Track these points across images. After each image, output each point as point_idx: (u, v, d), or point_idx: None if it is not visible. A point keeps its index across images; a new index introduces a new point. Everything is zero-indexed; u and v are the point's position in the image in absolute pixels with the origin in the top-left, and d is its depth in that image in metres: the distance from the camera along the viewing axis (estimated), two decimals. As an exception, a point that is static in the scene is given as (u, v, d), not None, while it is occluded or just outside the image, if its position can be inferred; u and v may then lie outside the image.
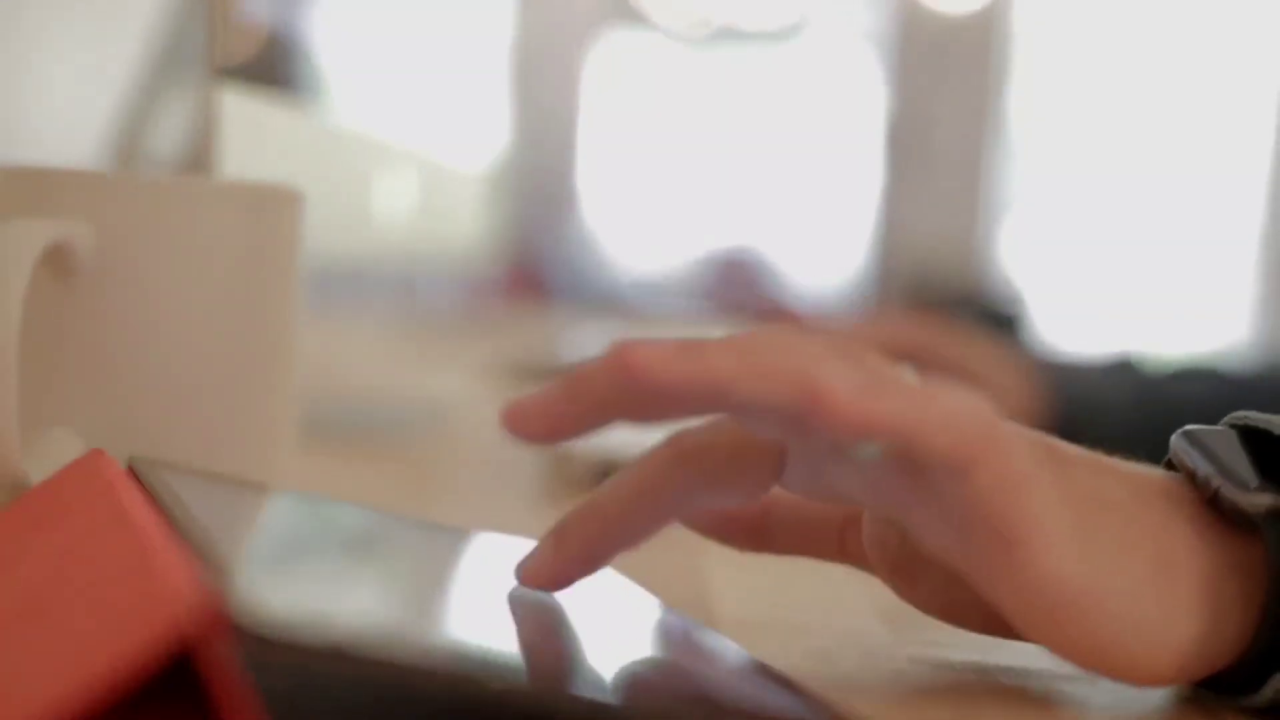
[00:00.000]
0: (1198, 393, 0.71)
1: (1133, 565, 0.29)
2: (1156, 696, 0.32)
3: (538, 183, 5.29)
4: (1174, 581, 0.29)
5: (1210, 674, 0.30)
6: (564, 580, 0.31)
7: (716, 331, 1.54)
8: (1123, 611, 0.29)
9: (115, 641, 0.18)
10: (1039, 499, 0.28)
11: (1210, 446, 0.31)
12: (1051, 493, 0.29)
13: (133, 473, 0.32)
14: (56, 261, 0.36)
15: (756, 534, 0.35)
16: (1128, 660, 0.29)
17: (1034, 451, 0.29)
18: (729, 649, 0.29)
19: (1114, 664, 0.29)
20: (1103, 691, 0.33)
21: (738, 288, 5.47)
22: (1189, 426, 0.32)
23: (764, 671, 0.27)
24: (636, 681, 0.23)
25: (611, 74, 5.45)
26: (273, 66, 0.53)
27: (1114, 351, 0.73)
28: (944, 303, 3.23)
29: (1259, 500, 0.29)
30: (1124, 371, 0.71)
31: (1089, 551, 0.28)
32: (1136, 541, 0.29)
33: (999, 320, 3.20)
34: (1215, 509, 0.30)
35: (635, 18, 5.39)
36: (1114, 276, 4.53)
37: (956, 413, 0.28)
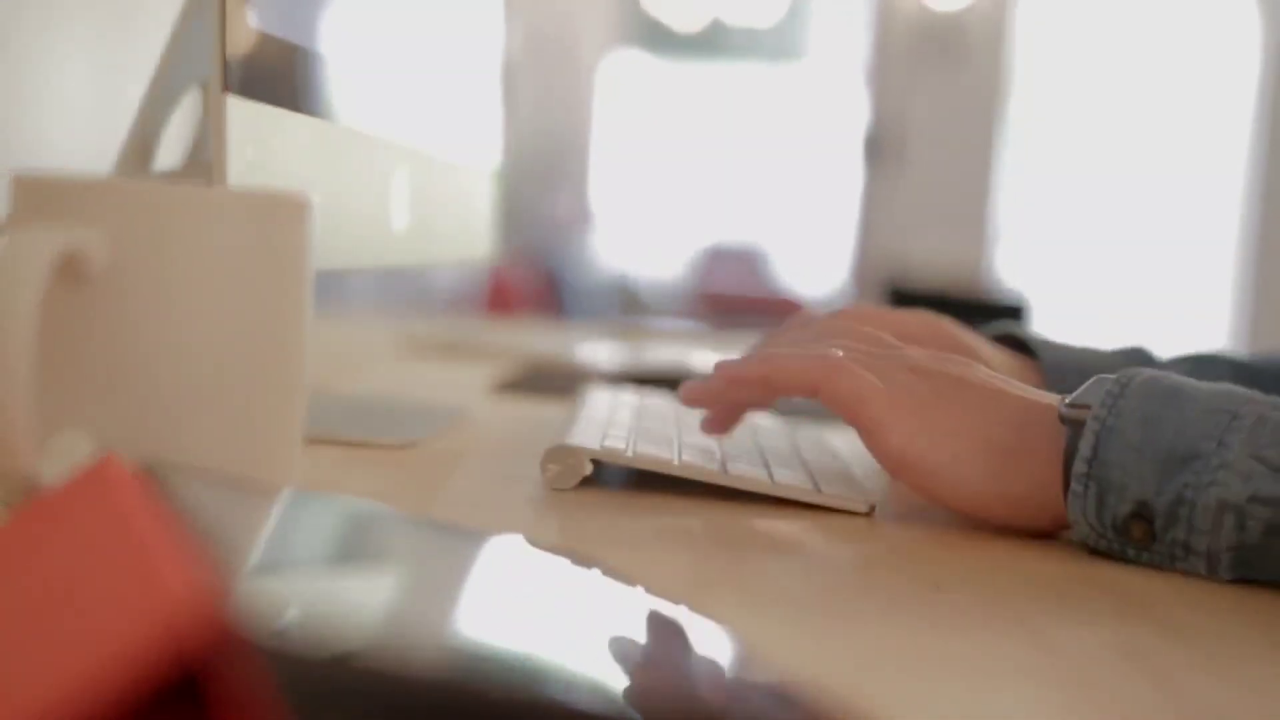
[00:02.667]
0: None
1: (951, 445, 0.50)
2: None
3: (544, 186, 5.28)
4: (986, 458, 0.49)
5: (1048, 523, 0.50)
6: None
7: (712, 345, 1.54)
8: (944, 473, 0.50)
9: (113, 649, 0.19)
10: (878, 406, 0.50)
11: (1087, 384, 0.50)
12: (887, 402, 0.50)
13: (145, 475, 0.33)
14: (70, 268, 0.37)
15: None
16: (953, 501, 0.50)
17: (871, 382, 0.51)
18: (730, 648, 0.29)
19: (947, 503, 0.51)
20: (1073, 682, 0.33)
21: (737, 281, 5.47)
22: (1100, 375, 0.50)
23: (763, 672, 0.28)
24: (640, 688, 0.23)
25: (617, 80, 5.44)
26: (280, 72, 0.53)
27: (1127, 345, 0.74)
28: (945, 298, 3.22)
29: (1066, 410, 0.49)
30: (1138, 360, 0.72)
31: (918, 436, 0.50)
32: (956, 431, 0.50)
33: (1001, 315, 3.20)
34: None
35: (639, 21, 5.39)
36: (1107, 276, 4.53)
37: (809, 362, 0.52)
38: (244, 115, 0.49)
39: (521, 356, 1.09)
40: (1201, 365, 0.72)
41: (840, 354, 0.53)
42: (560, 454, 0.55)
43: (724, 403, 0.57)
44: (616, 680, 0.23)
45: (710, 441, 0.61)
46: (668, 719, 0.22)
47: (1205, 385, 0.48)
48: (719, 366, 0.55)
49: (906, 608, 0.40)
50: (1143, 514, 0.46)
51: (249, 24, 0.50)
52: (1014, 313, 3.06)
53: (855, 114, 4.74)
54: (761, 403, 0.57)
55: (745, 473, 0.55)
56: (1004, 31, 4.49)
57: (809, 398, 0.53)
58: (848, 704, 0.31)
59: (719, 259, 5.64)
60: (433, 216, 0.76)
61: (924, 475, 0.50)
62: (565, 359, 1.08)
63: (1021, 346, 0.69)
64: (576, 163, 5.52)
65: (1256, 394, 0.47)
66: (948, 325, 0.66)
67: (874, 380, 0.51)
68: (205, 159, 0.57)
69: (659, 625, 0.30)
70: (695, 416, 0.66)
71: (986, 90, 4.51)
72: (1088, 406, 0.48)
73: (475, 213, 0.86)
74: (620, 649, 0.26)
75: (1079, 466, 0.47)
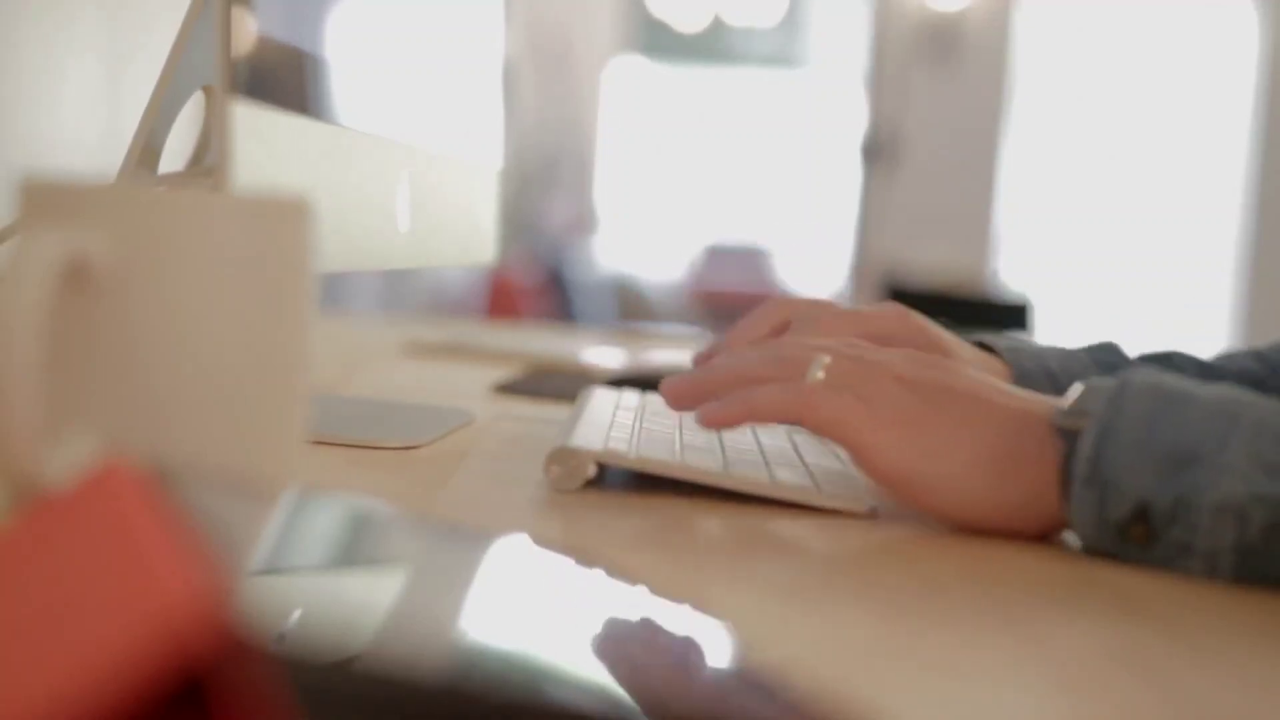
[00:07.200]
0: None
1: (943, 460, 0.50)
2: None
3: (546, 188, 5.28)
4: (979, 471, 0.49)
5: (1045, 529, 0.50)
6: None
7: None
8: (939, 488, 0.50)
9: (116, 653, 0.19)
10: (862, 428, 0.50)
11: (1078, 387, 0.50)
12: (871, 422, 0.50)
13: (149, 478, 0.33)
14: (76, 271, 0.37)
15: None
16: (949, 515, 0.51)
17: (851, 404, 0.51)
18: (731, 648, 0.30)
19: (943, 517, 0.51)
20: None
21: (737, 280, 5.47)
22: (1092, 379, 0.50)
23: (763, 672, 0.28)
24: (641, 690, 0.24)
25: (619, 83, 5.44)
26: (283, 76, 0.54)
27: (1098, 341, 0.75)
28: (947, 298, 3.21)
29: (1062, 419, 0.48)
30: (1109, 356, 0.72)
31: (907, 454, 0.50)
32: (947, 446, 0.50)
33: (1004, 314, 3.18)
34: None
35: (641, 24, 5.39)
36: (1109, 277, 4.54)
37: (787, 395, 0.52)
38: (248, 119, 0.49)
39: (524, 358, 1.10)
40: (1166, 364, 0.71)
41: (821, 375, 0.52)
42: (564, 455, 0.55)
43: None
44: (618, 686, 0.23)
45: (712, 443, 0.61)
46: None
47: (1206, 388, 0.48)
48: (702, 413, 0.53)
49: (906, 607, 0.40)
50: (1143, 514, 0.46)
51: (252, 28, 0.50)
52: (1018, 311, 3.06)
53: (855, 115, 4.73)
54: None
55: (746, 474, 0.55)
56: (1005, 32, 4.49)
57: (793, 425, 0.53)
58: (847, 704, 0.31)
59: (719, 258, 5.65)
60: (436, 219, 0.76)
61: (918, 491, 0.51)
62: (567, 361, 1.08)
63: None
64: (579, 165, 5.52)
65: (1257, 397, 0.47)
66: (919, 319, 0.64)
67: (853, 402, 0.51)
68: (210, 163, 0.57)
69: (660, 626, 0.30)
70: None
71: (988, 90, 4.51)
72: (1084, 414, 0.48)
73: (478, 215, 0.86)
74: (622, 650, 0.26)
75: (1080, 467, 0.47)
